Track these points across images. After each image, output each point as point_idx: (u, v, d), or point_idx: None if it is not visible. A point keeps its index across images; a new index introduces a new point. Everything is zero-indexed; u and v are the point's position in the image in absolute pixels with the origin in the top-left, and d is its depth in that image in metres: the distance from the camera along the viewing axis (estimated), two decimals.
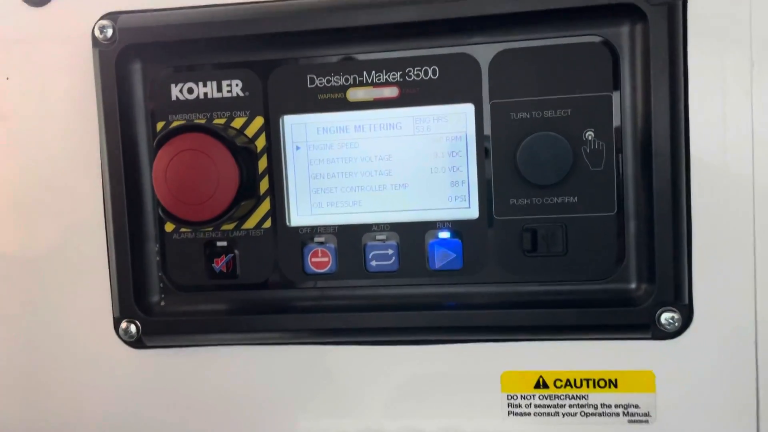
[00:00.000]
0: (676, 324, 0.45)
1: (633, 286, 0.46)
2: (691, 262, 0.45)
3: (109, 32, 0.48)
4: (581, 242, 0.47)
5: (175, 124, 0.49)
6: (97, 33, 0.48)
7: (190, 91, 0.49)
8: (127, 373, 0.52)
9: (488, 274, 0.48)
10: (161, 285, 0.51)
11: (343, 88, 0.48)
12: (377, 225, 0.49)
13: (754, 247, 0.45)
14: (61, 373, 0.53)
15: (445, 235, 0.48)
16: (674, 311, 0.45)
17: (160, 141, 0.46)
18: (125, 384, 0.52)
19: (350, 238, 0.49)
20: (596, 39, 0.46)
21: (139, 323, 0.50)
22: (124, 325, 0.50)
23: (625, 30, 0.45)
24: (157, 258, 0.50)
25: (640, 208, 0.46)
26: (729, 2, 0.44)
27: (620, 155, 0.46)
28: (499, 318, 0.47)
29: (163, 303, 0.51)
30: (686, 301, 0.45)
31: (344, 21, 0.46)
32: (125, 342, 0.51)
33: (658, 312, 0.45)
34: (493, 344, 0.48)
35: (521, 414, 0.49)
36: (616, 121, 0.46)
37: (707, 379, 0.46)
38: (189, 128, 0.46)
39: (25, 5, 0.50)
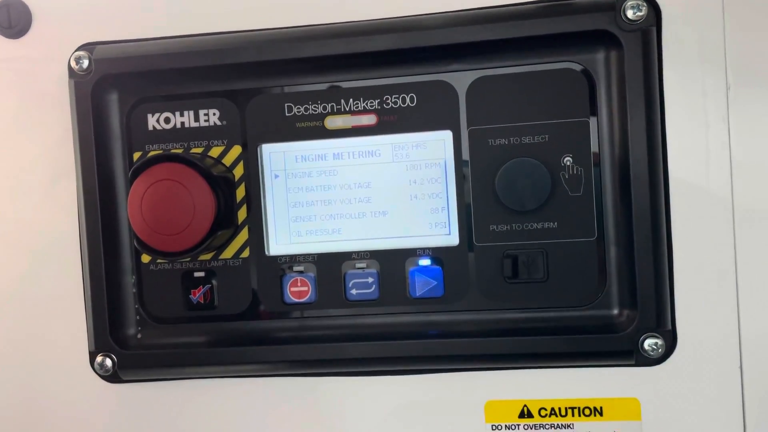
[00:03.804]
0: (660, 350, 0.45)
1: (615, 312, 0.46)
2: (673, 287, 0.45)
3: (85, 63, 0.48)
4: (562, 268, 0.46)
5: (151, 154, 0.49)
6: (73, 64, 0.48)
7: (167, 120, 0.49)
8: (103, 408, 0.51)
9: (470, 302, 0.47)
10: (138, 317, 0.50)
11: (321, 116, 0.48)
12: (357, 253, 0.48)
13: (736, 271, 0.45)
14: (36, 408, 0.51)
15: (425, 262, 0.48)
16: (657, 337, 0.45)
17: (136, 171, 0.46)
18: (101, 419, 0.51)
19: (330, 267, 0.49)
20: (572, 65, 0.46)
21: (115, 357, 0.49)
22: (99, 359, 0.49)
23: (600, 56, 0.45)
24: (134, 290, 0.50)
25: (621, 233, 0.46)
26: (702, 26, 0.44)
27: (599, 180, 0.46)
28: (481, 346, 0.46)
29: (139, 336, 0.50)
30: (669, 326, 0.45)
31: (321, 50, 0.46)
32: (101, 376, 0.50)
33: (641, 338, 0.45)
34: (476, 373, 0.47)
35: None
36: (594, 147, 0.46)
37: (693, 405, 0.46)
38: (164, 158, 0.46)
39: (1, 36, 0.50)
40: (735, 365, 0.45)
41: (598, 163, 0.46)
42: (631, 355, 0.45)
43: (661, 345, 0.45)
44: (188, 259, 0.49)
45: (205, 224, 0.45)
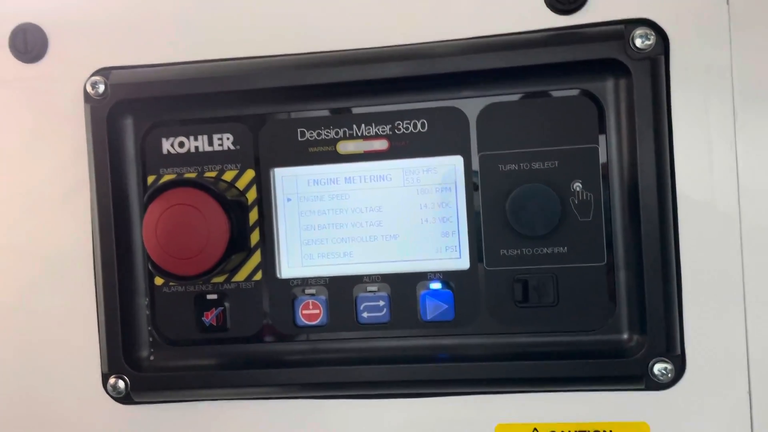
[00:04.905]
0: (669, 375, 0.45)
1: (625, 336, 0.46)
2: (682, 312, 0.45)
3: (101, 88, 0.49)
4: (572, 293, 0.47)
5: (165, 177, 0.50)
6: (88, 88, 0.49)
7: (181, 144, 0.50)
8: (115, 429, 0.51)
9: (480, 325, 0.48)
10: (150, 339, 0.50)
11: (334, 141, 0.49)
12: (368, 276, 0.49)
13: (744, 295, 0.45)
14: (48, 429, 0.52)
15: (436, 285, 0.48)
16: (667, 362, 0.45)
17: (151, 196, 0.46)
18: None
19: (341, 290, 0.49)
20: (581, 92, 0.46)
21: (127, 378, 0.49)
22: (112, 380, 0.49)
23: (609, 84, 0.46)
24: (147, 312, 0.50)
25: (630, 258, 0.46)
26: (709, 53, 0.45)
27: (608, 206, 0.46)
28: (491, 370, 0.46)
29: (152, 358, 0.50)
30: (678, 351, 0.45)
31: (334, 76, 0.47)
32: (113, 398, 0.50)
33: (651, 363, 0.45)
34: (486, 396, 0.48)
35: None
36: (603, 172, 0.46)
37: (702, 429, 0.46)
38: (180, 183, 0.46)
39: (18, 61, 0.51)
40: (744, 390, 0.45)
41: (607, 189, 0.46)
42: (640, 380, 0.45)
43: (670, 370, 0.45)
44: (201, 282, 0.49)
45: (219, 249, 0.45)
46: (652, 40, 0.44)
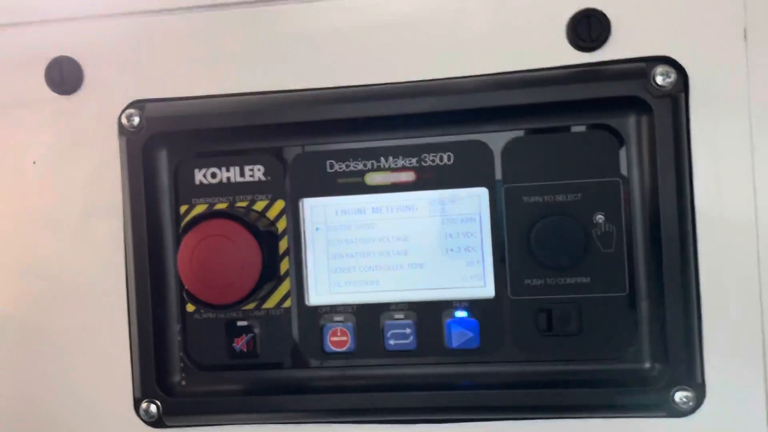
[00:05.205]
0: (690, 403, 0.46)
1: (647, 365, 0.47)
2: (702, 341, 0.47)
3: (136, 120, 0.50)
4: (595, 322, 0.48)
5: (198, 207, 0.51)
6: (124, 121, 0.50)
7: (214, 175, 0.51)
8: None
9: (505, 353, 0.49)
10: (182, 365, 0.51)
11: (362, 173, 0.50)
12: (395, 304, 0.50)
13: (762, 325, 0.46)
14: None
15: (462, 314, 0.49)
16: (688, 390, 0.46)
17: (187, 226, 0.48)
18: None
19: (368, 317, 0.50)
20: (603, 127, 0.48)
21: (159, 403, 0.50)
22: (144, 405, 0.51)
23: (631, 119, 0.47)
24: (179, 338, 0.51)
25: (652, 288, 0.47)
26: (728, 89, 0.46)
27: (630, 237, 0.48)
28: (516, 398, 0.48)
29: (183, 383, 0.51)
30: (699, 380, 0.46)
31: (363, 111, 0.48)
32: (146, 422, 0.51)
33: (673, 391, 0.46)
34: (510, 423, 0.49)
35: None
36: (625, 205, 0.48)
37: None
38: (215, 215, 0.48)
39: (53, 93, 0.52)
40: (762, 417, 0.46)
41: (629, 221, 0.48)
42: (662, 408, 0.46)
43: (691, 398, 0.46)
44: (233, 310, 0.50)
45: (252, 278, 0.47)
46: (672, 78, 0.46)
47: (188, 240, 0.47)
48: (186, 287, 0.47)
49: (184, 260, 0.47)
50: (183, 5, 0.51)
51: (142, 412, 0.51)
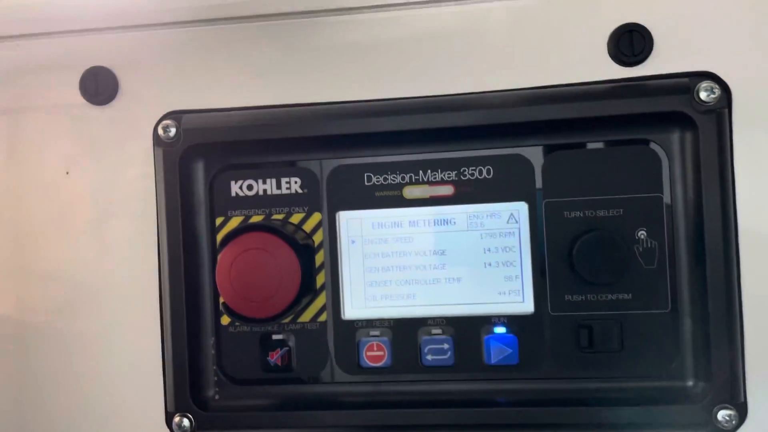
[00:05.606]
0: (733, 421, 0.46)
1: (690, 383, 0.47)
2: (744, 360, 0.46)
3: (173, 131, 0.50)
4: (637, 339, 0.47)
5: (234, 219, 0.51)
6: (160, 132, 0.50)
7: (250, 187, 0.51)
8: None
9: (544, 370, 0.48)
10: (216, 378, 0.51)
11: (400, 186, 0.50)
12: (432, 319, 0.50)
13: None
14: None
15: (501, 330, 0.49)
16: (731, 409, 0.46)
17: (225, 240, 0.47)
18: None
19: (405, 332, 0.50)
20: (645, 142, 0.47)
21: (192, 417, 0.50)
22: (177, 419, 0.50)
23: (675, 135, 0.47)
24: (213, 351, 0.51)
25: (695, 305, 0.47)
26: None
27: (673, 254, 0.47)
28: (555, 416, 0.47)
29: (217, 397, 0.51)
30: (742, 399, 0.46)
31: (402, 124, 0.48)
32: None
33: (716, 410, 0.46)
34: None
35: None
36: (668, 221, 0.47)
37: None
38: (253, 228, 0.47)
39: (88, 103, 0.52)
40: None
41: (672, 237, 0.47)
42: (704, 427, 0.46)
43: (734, 416, 0.46)
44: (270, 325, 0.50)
45: (291, 293, 0.46)
46: (717, 94, 0.45)
47: (227, 253, 0.46)
48: (224, 301, 0.47)
49: (223, 274, 0.46)
50: (220, 16, 0.51)
51: (174, 426, 0.50)
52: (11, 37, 0.53)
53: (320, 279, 0.50)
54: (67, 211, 0.52)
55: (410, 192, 0.50)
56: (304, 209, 0.50)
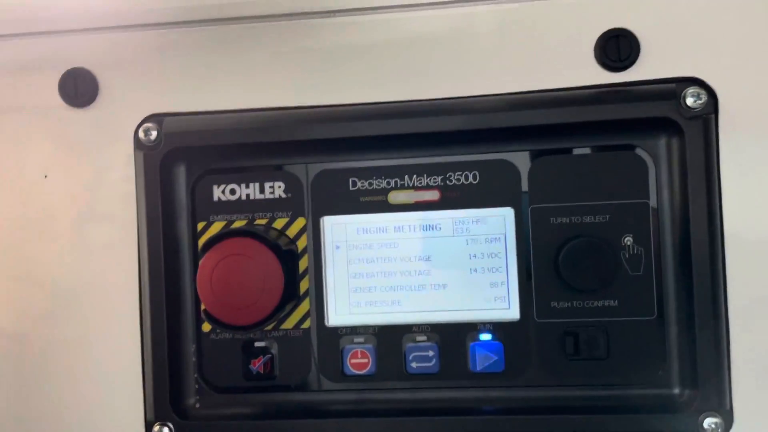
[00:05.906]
0: (719, 429, 0.45)
1: (676, 391, 0.47)
2: (730, 367, 0.46)
3: (154, 135, 0.49)
4: (623, 346, 0.47)
5: (216, 224, 0.50)
6: (141, 135, 0.49)
7: (233, 192, 0.50)
8: None
9: (530, 378, 0.48)
10: (197, 386, 0.50)
11: (385, 191, 0.49)
12: (417, 326, 0.49)
13: None
14: None
15: (486, 337, 0.48)
16: (717, 416, 0.45)
17: (206, 245, 0.46)
18: None
19: (390, 339, 0.49)
20: (632, 148, 0.47)
21: (173, 426, 0.49)
22: (157, 428, 0.49)
23: (661, 141, 0.47)
24: (194, 359, 0.50)
25: (681, 312, 0.47)
26: (758, 111, 0.46)
27: (659, 260, 0.47)
28: (541, 423, 0.47)
29: (197, 405, 0.50)
30: (728, 406, 0.46)
31: (387, 128, 0.47)
32: None
33: (702, 417, 0.45)
34: None
35: None
36: (654, 227, 0.47)
37: None
38: (235, 233, 0.46)
39: (68, 105, 0.51)
40: None
41: (658, 244, 0.47)
42: None
43: (720, 424, 0.46)
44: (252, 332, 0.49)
45: (274, 299, 0.45)
46: (703, 100, 0.45)
47: (209, 259, 0.46)
48: (205, 307, 0.46)
49: (204, 280, 0.45)
50: (201, 18, 0.50)
51: None
52: None
53: (304, 285, 0.50)
54: (45, 215, 0.51)
55: (395, 197, 0.49)
56: (287, 214, 0.50)
